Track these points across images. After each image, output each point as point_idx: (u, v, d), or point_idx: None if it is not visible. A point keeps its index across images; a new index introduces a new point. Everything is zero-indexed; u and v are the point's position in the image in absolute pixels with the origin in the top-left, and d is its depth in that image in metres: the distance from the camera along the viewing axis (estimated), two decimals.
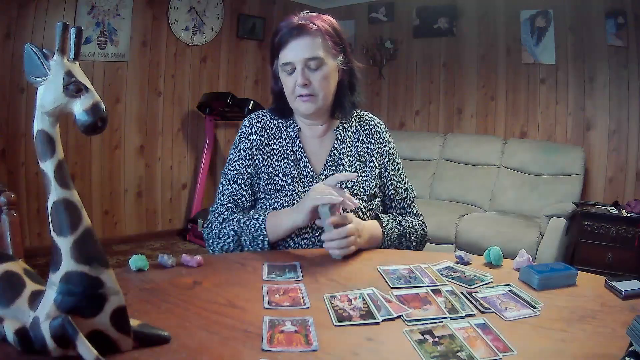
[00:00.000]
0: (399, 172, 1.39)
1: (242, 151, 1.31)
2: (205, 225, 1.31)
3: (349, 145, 1.34)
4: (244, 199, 1.29)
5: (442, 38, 4.60)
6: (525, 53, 4.11)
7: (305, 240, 1.24)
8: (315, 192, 1.12)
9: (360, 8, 5.08)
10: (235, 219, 1.24)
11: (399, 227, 1.31)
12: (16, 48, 3.40)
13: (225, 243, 1.24)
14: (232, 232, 1.23)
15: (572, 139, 3.93)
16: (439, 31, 4.60)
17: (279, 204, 1.25)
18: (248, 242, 1.21)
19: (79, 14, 3.68)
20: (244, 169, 1.30)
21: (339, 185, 1.17)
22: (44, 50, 0.62)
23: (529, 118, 4.16)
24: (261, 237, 1.19)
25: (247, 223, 1.21)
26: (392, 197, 1.37)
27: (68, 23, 0.61)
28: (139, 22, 4.03)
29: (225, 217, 1.27)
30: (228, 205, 1.29)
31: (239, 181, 1.29)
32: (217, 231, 1.26)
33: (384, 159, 1.36)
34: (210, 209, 1.33)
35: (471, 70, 4.45)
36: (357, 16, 5.10)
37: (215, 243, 1.26)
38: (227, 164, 1.34)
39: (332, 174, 1.28)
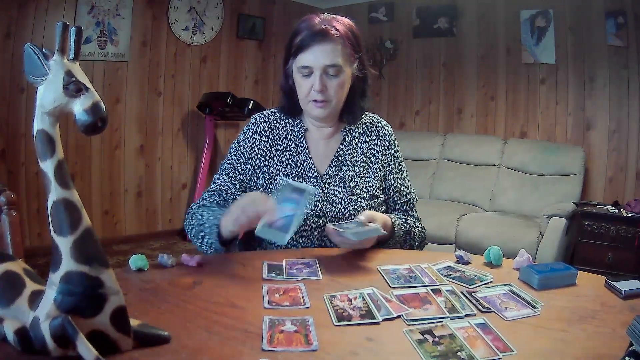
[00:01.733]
0: (403, 176, 1.40)
1: (242, 147, 1.33)
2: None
3: (355, 146, 1.35)
4: (229, 191, 1.31)
5: (442, 38, 4.60)
6: (525, 53, 4.11)
7: (303, 239, 1.25)
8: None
9: (360, 8, 5.08)
10: (208, 206, 1.26)
11: (404, 224, 1.32)
12: (16, 48, 3.40)
13: (194, 226, 1.23)
14: (199, 217, 1.22)
15: (572, 139, 3.93)
16: (439, 31, 4.60)
17: None
18: (208, 232, 1.17)
19: (79, 14, 3.68)
20: (238, 165, 1.32)
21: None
22: (44, 50, 0.62)
23: (529, 118, 4.16)
24: (213, 228, 1.15)
25: (211, 212, 1.20)
26: (396, 199, 1.38)
27: (68, 23, 0.61)
28: (139, 22, 4.03)
29: (205, 203, 1.30)
30: (213, 192, 1.32)
31: (230, 174, 1.32)
32: (192, 213, 1.27)
33: (389, 161, 1.37)
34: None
35: (471, 70, 4.45)
36: (357, 16, 5.08)
37: (189, 225, 1.27)
38: (226, 155, 1.36)
39: (336, 174, 1.30)
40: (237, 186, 1.31)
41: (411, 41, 4.81)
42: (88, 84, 0.62)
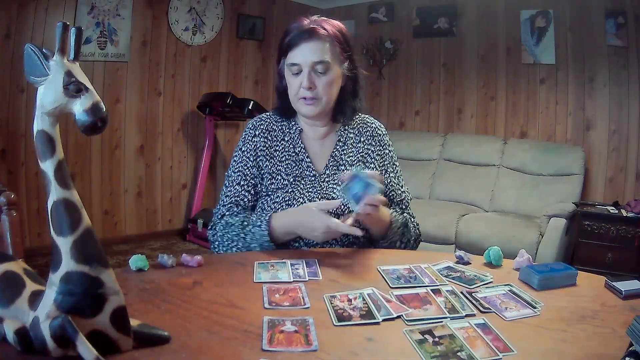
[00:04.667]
0: (397, 175, 1.42)
1: (246, 153, 1.33)
2: (210, 227, 1.33)
3: (350, 146, 1.37)
4: (245, 200, 1.31)
5: (442, 38, 4.59)
6: (525, 53, 4.11)
7: (302, 239, 1.25)
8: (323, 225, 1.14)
9: (360, 8, 5.08)
10: (237, 224, 1.25)
11: (401, 216, 1.34)
12: (16, 48, 3.40)
13: (229, 248, 1.26)
14: (237, 238, 1.24)
15: (572, 139, 3.93)
16: (439, 31, 4.60)
17: (281, 198, 1.27)
18: (258, 248, 1.22)
19: (79, 14, 3.68)
20: (247, 170, 1.32)
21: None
22: (44, 50, 0.62)
23: (529, 118, 4.16)
24: (266, 244, 1.21)
25: (253, 232, 1.22)
26: (392, 198, 1.39)
27: (68, 23, 0.61)
28: (139, 22, 4.03)
29: (227, 219, 1.28)
30: (229, 205, 1.31)
31: (242, 182, 1.31)
32: (221, 234, 1.27)
33: (384, 161, 1.39)
34: (214, 210, 1.35)
35: (471, 70, 4.45)
36: (357, 16, 5.10)
37: (221, 246, 1.28)
38: (230, 166, 1.36)
39: (334, 174, 1.32)
40: (252, 192, 1.32)
41: (411, 41, 4.81)
42: (88, 84, 0.62)
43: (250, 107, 4.09)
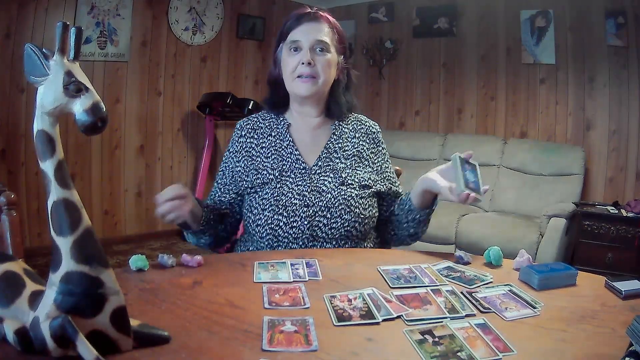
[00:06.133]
0: (392, 171, 1.44)
1: (232, 154, 1.37)
2: None
3: (345, 141, 1.37)
4: (221, 199, 1.37)
5: (442, 38, 4.60)
6: (525, 53, 4.11)
7: (294, 229, 1.24)
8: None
9: (360, 8, 5.08)
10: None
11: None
12: (16, 48, 3.40)
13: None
14: None
15: (572, 139, 3.93)
16: (439, 31, 4.60)
17: (269, 195, 1.27)
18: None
19: (79, 14, 3.68)
20: (228, 172, 1.37)
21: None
22: (44, 50, 0.62)
23: (529, 118, 4.16)
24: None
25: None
26: (392, 193, 1.41)
27: (68, 23, 0.61)
28: (139, 22, 4.03)
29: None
30: (207, 202, 1.38)
31: (219, 181, 1.39)
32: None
33: (379, 158, 1.41)
34: None
35: (471, 70, 4.45)
36: (357, 16, 5.10)
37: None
38: (220, 166, 1.41)
39: (326, 165, 1.32)
40: (232, 192, 1.35)
41: (411, 41, 4.81)
42: (88, 84, 0.62)
43: (250, 107, 4.09)
